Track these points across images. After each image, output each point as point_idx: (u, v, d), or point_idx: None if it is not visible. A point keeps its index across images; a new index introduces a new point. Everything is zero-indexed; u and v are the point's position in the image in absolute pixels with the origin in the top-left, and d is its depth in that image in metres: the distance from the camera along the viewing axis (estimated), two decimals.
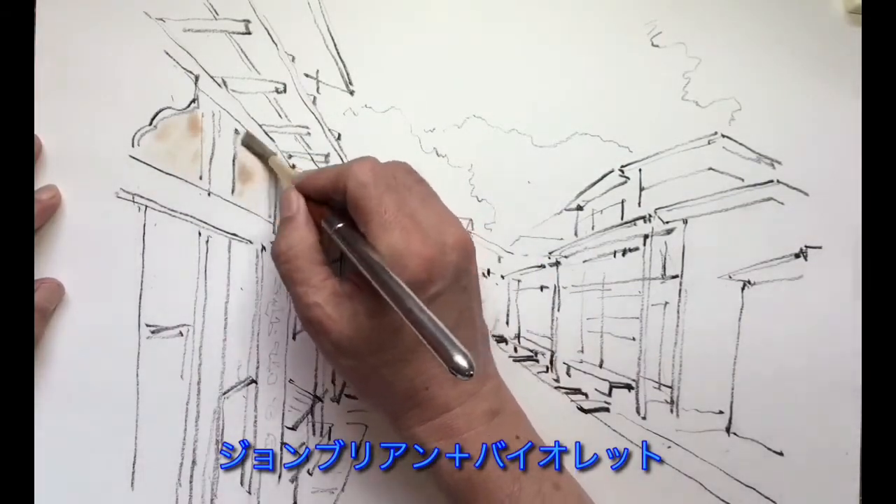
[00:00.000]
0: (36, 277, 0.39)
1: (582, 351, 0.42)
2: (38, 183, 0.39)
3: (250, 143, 0.41)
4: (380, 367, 0.34)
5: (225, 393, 0.40)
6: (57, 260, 0.40)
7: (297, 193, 0.36)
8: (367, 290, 0.33)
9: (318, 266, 0.35)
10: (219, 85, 0.41)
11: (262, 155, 0.40)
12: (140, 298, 0.40)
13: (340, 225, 0.35)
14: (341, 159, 0.41)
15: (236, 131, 0.41)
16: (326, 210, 0.36)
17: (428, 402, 0.34)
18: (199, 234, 0.40)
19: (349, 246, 0.34)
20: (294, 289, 0.34)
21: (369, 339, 0.33)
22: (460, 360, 0.28)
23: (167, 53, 0.40)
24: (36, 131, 0.39)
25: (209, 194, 0.41)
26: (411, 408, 0.35)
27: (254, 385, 0.41)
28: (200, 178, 0.41)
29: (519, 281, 0.42)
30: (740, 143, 0.42)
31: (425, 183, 0.37)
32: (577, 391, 0.42)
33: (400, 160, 0.37)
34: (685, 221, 0.42)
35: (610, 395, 0.41)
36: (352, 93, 0.41)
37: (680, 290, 0.42)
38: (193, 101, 0.41)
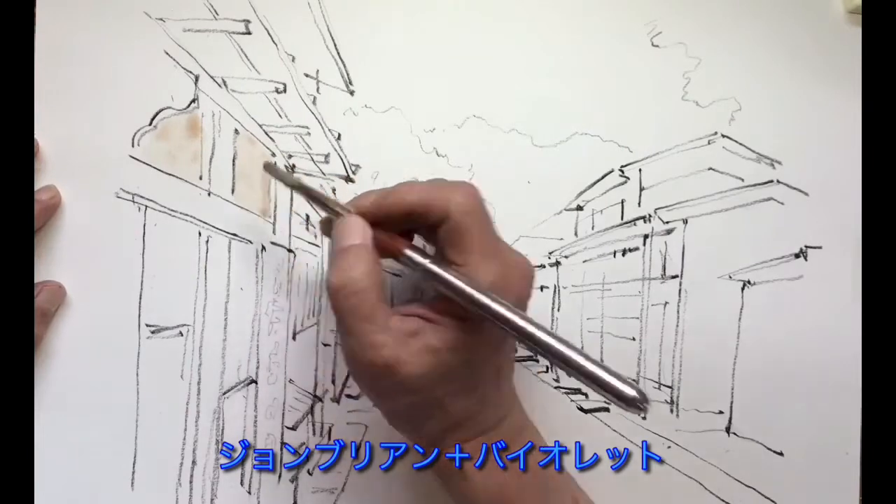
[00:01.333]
0: (36, 278, 0.39)
1: None
2: (38, 183, 0.39)
3: (273, 171, 0.38)
4: (443, 398, 0.32)
5: (225, 393, 0.40)
6: (57, 260, 0.40)
7: (363, 221, 0.33)
8: (449, 325, 0.32)
9: (385, 304, 0.32)
10: (219, 85, 0.41)
11: (301, 186, 0.36)
12: (140, 298, 0.40)
13: (428, 260, 0.32)
14: (341, 159, 0.41)
15: (236, 131, 0.41)
16: (404, 242, 0.33)
17: (474, 426, 0.34)
18: (199, 234, 0.40)
19: (444, 279, 0.31)
20: (359, 325, 0.31)
21: (444, 373, 0.32)
22: (633, 393, 0.27)
23: (167, 53, 0.40)
24: (36, 131, 0.39)
25: (209, 194, 0.41)
26: (455, 432, 0.34)
27: (254, 385, 0.41)
28: (200, 178, 0.41)
29: None
30: (740, 143, 0.42)
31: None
32: (577, 391, 0.42)
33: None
34: (685, 221, 0.42)
35: None
36: (352, 93, 0.41)
37: (680, 290, 0.42)
38: (193, 101, 0.41)
